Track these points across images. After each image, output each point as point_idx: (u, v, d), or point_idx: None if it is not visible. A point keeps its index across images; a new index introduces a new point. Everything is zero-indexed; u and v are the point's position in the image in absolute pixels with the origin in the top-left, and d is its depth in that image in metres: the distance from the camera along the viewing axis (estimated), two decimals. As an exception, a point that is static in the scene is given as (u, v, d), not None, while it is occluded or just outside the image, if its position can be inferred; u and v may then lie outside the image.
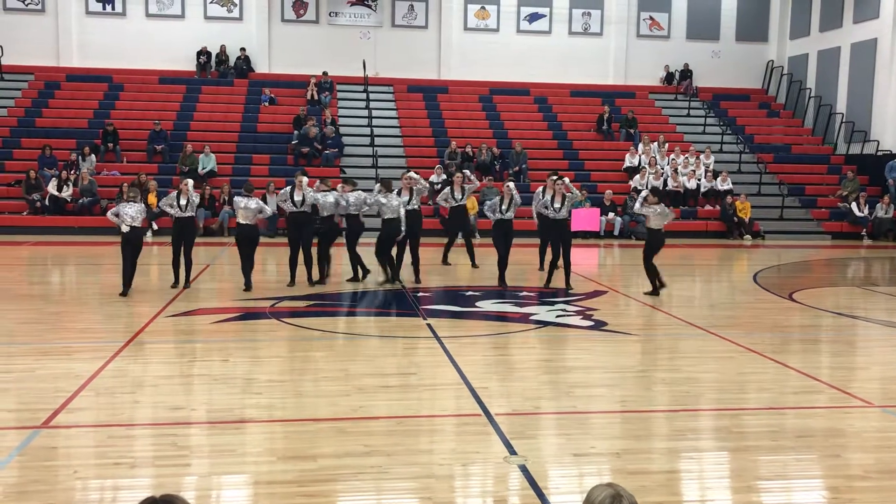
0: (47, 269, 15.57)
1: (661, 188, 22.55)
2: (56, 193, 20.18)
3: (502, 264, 12.57)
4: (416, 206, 12.81)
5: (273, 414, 6.29)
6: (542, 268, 13.67)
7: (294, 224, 12.20)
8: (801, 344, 9.43)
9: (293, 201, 12.04)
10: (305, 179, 12.34)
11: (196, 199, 12.24)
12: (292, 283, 12.15)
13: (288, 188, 12.26)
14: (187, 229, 11.94)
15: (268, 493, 4.82)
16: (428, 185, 13.18)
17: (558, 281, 12.56)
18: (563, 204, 12.16)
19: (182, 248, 11.91)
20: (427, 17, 27.49)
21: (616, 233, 21.03)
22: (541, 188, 13.68)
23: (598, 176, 23.36)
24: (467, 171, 14.60)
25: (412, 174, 13.02)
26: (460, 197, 14.41)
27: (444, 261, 14.78)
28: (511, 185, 12.91)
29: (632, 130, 25.33)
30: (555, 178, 12.61)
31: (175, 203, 11.82)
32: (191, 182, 12.13)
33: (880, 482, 5.14)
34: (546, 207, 12.39)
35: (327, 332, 9.13)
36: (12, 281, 12.81)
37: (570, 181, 13.11)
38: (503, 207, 12.44)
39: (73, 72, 25.55)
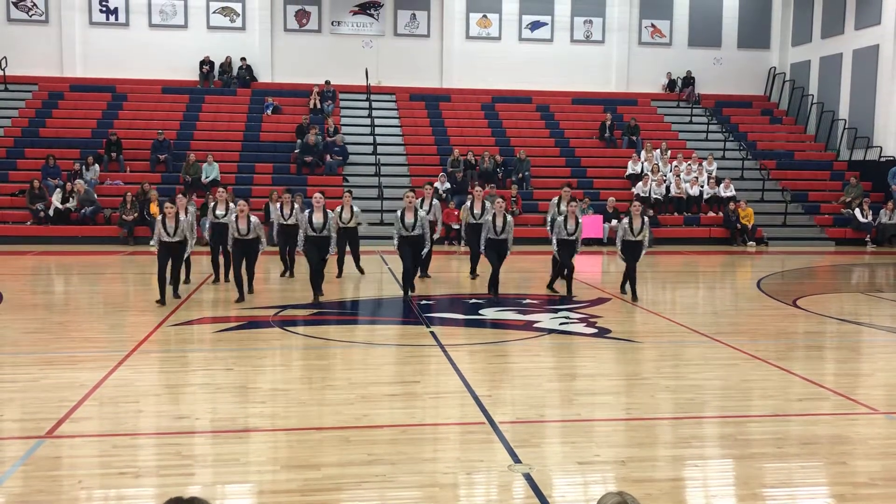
0: (51, 278, 15.59)
1: (663, 195, 22.59)
2: (59, 206, 20.22)
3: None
4: (419, 232, 12.14)
5: (277, 423, 6.29)
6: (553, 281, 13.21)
7: (313, 246, 11.79)
8: (806, 351, 9.41)
9: (312, 225, 11.71)
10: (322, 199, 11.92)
11: (188, 219, 11.50)
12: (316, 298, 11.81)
13: (307, 213, 11.97)
14: (175, 252, 11.29)
15: (272, 502, 4.82)
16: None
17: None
18: (576, 227, 12.11)
19: (170, 265, 11.35)
20: (429, 25, 27.57)
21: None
22: (555, 199, 13.16)
23: (601, 183, 23.37)
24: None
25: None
26: (479, 213, 13.48)
27: (473, 273, 14.03)
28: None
29: (634, 138, 25.36)
30: (568, 189, 12.38)
31: (162, 229, 11.15)
32: (172, 206, 11.23)
33: (887, 489, 5.11)
34: (552, 225, 12.42)
35: (330, 340, 9.13)
36: (17, 291, 12.82)
37: (573, 188, 13.12)
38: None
39: (77, 82, 25.65)
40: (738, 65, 28.92)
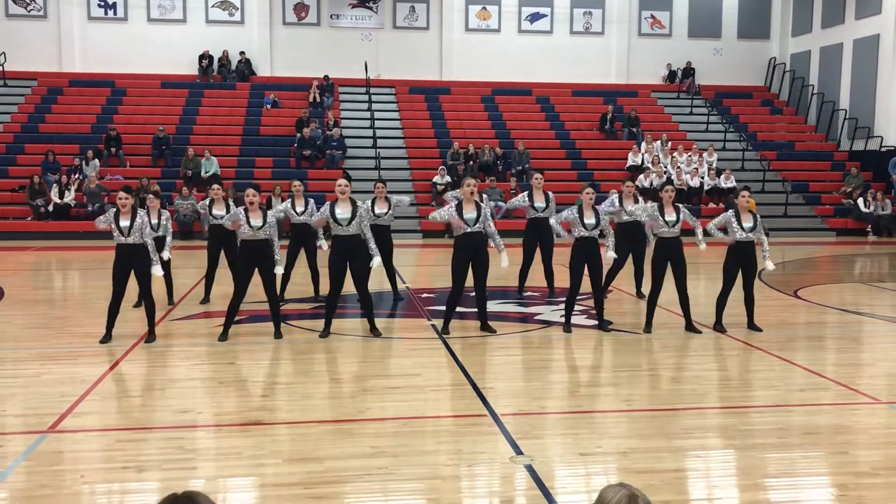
0: (52, 274, 15.59)
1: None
2: (57, 200, 20.22)
3: None
4: (480, 228, 9.21)
5: (279, 416, 6.29)
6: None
7: (339, 251, 9.17)
8: (807, 341, 9.40)
9: (335, 218, 8.82)
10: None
11: (152, 219, 9.66)
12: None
13: (326, 205, 8.97)
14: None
15: (275, 495, 4.82)
16: (493, 203, 8.99)
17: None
18: (597, 222, 9.26)
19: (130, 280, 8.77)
20: (428, 18, 27.51)
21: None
22: (613, 196, 11.84)
23: (602, 175, 23.30)
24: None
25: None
26: (543, 206, 11.38)
27: (520, 291, 11.94)
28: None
29: (634, 129, 25.33)
30: (589, 190, 9.35)
31: (112, 222, 8.66)
32: (125, 196, 8.54)
33: (889, 479, 5.12)
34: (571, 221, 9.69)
35: (333, 333, 9.13)
36: (18, 286, 12.82)
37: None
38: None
39: (76, 77, 25.62)
40: (739, 55, 28.86)
